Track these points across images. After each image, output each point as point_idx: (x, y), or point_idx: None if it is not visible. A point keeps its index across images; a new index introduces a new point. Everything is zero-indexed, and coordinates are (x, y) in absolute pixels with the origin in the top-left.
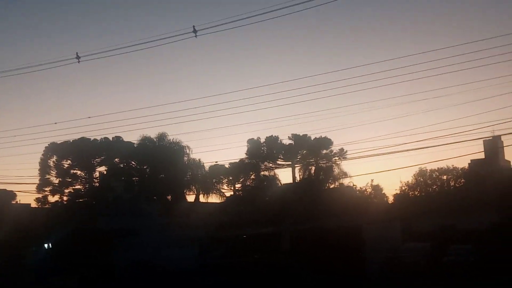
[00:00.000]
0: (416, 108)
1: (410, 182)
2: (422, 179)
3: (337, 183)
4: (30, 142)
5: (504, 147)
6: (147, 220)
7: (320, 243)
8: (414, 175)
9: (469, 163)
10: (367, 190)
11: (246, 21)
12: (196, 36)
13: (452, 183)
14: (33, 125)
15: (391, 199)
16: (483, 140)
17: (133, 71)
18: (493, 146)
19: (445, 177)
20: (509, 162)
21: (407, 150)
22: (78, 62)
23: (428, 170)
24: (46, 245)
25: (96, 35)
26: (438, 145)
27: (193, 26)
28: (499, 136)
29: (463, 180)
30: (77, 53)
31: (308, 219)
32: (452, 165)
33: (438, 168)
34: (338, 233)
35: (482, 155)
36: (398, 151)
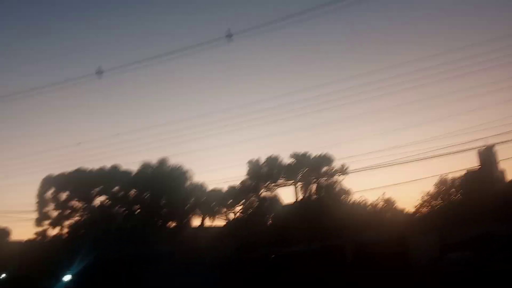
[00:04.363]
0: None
1: (430, 192)
2: (444, 188)
3: (345, 199)
4: (24, 171)
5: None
6: (155, 248)
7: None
8: (435, 184)
9: (464, 174)
10: (379, 204)
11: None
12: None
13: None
14: (26, 154)
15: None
16: (478, 150)
17: (126, 93)
18: (488, 155)
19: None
20: (504, 171)
21: (413, 161)
22: (100, 78)
23: (450, 178)
24: (66, 278)
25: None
26: (439, 155)
27: (229, 29)
28: (492, 146)
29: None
30: (99, 66)
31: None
32: None
33: (460, 176)
34: (382, 246)
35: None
36: (400, 163)
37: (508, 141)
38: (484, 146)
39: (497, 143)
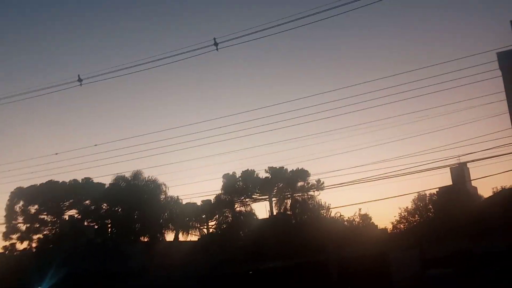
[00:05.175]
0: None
1: (409, 208)
2: (421, 204)
3: (322, 214)
4: None
5: (471, 174)
6: (128, 263)
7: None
8: (413, 200)
9: (437, 191)
10: (355, 219)
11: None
12: (217, 49)
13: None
14: None
15: (384, 226)
16: (450, 168)
17: (100, 103)
18: (460, 173)
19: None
20: (476, 188)
21: (392, 177)
22: (80, 85)
23: (428, 194)
24: None
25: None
26: (411, 173)
27: (214, 39)
28: (465, 163)
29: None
30: (79, 75)
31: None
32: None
33: (437, 192)
34: (364, 262)
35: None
36: (375, 180)
37: (480, 159)
38: (456, 164)
39: (470, 161)
